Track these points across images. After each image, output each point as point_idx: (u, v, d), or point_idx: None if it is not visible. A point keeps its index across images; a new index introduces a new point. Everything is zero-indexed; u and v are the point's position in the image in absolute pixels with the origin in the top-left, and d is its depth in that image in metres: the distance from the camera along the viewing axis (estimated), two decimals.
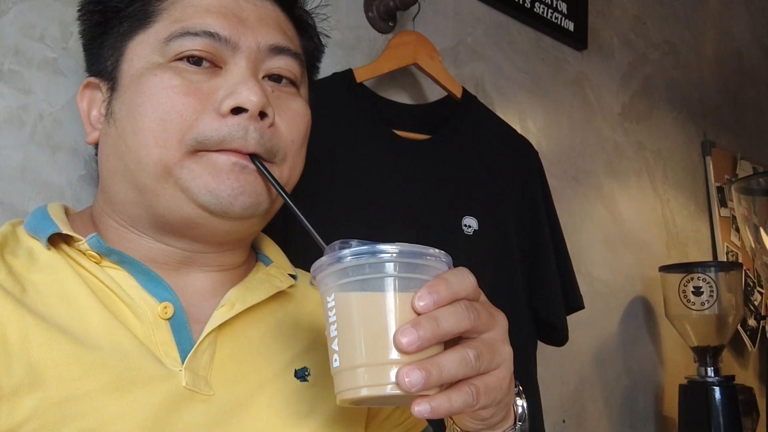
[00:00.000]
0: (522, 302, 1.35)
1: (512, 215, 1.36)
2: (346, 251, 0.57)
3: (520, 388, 0.70)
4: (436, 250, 0.58)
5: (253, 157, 0.72)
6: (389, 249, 0.56)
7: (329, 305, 0.58)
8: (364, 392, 0.55)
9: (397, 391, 0.54)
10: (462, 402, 0.56)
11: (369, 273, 0.56)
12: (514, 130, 1.46)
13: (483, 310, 0.59)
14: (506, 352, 0.61)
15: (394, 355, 0.55)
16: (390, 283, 0.56)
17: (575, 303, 1.42)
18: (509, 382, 0.62)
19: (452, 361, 0.56)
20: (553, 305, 1.37)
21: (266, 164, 0.74)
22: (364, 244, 0.57)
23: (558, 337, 1.40)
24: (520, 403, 0.70)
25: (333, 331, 0.57)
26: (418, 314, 0.56)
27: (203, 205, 0.71)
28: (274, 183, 0.72)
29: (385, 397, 0.56)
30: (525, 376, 1.31)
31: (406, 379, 0.53)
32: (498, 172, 1.37)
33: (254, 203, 0.73)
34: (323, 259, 0.58)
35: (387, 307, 0.56)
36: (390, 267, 0.56)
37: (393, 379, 0.54)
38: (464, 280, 0.58)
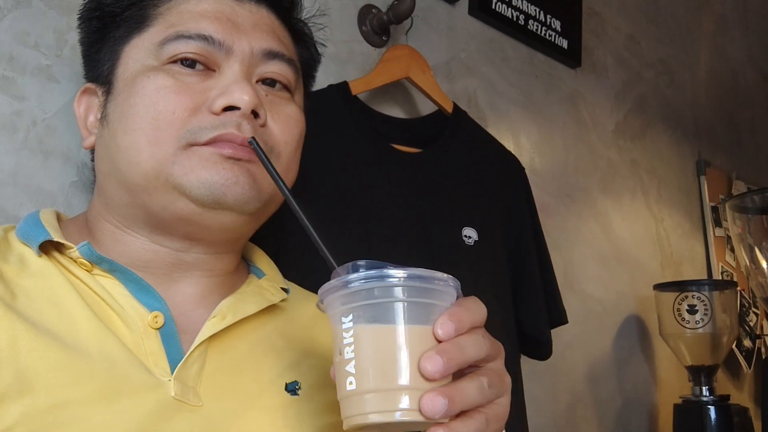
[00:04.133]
0: (512, 316, 1.36)
1: (501, 228, 1.37)
2: (361, 273, 0.56)
3: None
4: (445, 275, 0.58)
5: (254, 141, 0.71)
6: (404, 273, 0.56)
7: (344, 326, 0.57)
8: (376, 418, 0.55)
9: (409, 418, 0.54)
10: (474, 430, 0.56)
11: (385, 297, 0.56)
12: (502, 145, 1.47)
13: (491, 339, 0.60)
14: (508, 381, 0.62)
15: (409, 381, 0.54)
16: (406, 308, 0.56)
17: (559, 317, 1.43)
18: (509, 411, 0.62)
19: (472, 389, 0.56)
20: (538, 319, 1.38)
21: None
22: (374, 266, 0.57)
23: (542, 351, 1.40)
24: None
25: (349, 353, 0.56)
26: (439, 341, 0.56)
27: (197, 199, 0.71)
28: (271, 169, 0.70)
29: (396, 423, 0.55)
30: (514, 392, 1.30)
31: (430, 405, 0.53)
32: (489, 185, 1.38)
33: (246, 195, 0.73)
34: (335, 281, 0.58)
35: (402, 332, 0.55)
36: (404, 292, 0.56)
37: (407, 405, 0.54)
38: (481, 308, 0.59)
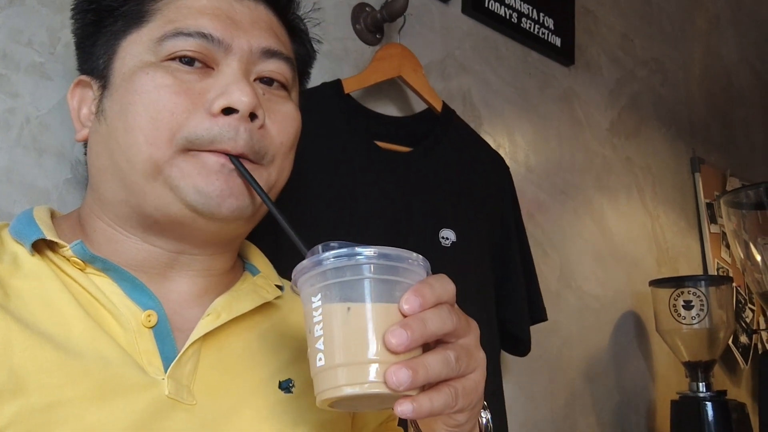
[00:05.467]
0: (493, 314, 1.37)
1: (485, 229, 1.38)
2: (328, 253, 0.58)
3: (485, 402, 0.71)
4: (416, 255, 0.60)
5: (235, 159, 0.72)
6: (371, 252, 0.57)
7: (314, 306, 0.58)
8: (347, 390, 0.56)
9: (378, 390, 0.55)
10: (442, 402, 0.57)
11: (351, 275, 0.57)
12: (488, 145, 1.48)
13: (461, 316, 0.60)
14: (481, 357, 0.62)
15: (376, 354, 0.55)
16: (372, 285, 0.57)
17: (539, 315, 1.46)
18: (483, 387, 0.63)
19: (436, 362, 0.57)
20: (520, 318, 1.40)
21: (253, 166, 0.74)
22: (345, 246, 0.58)
23: (522, 348, 1.43)
24: (485, 415, 0.72)
25: (318, 330, 0.58)
26: (405, 316, 0.57)
27: (191, 205, 0.71)
28: (256, 187, 0.72)
29: (366, 396, 0.56)
30: (494, 386, 1.34)
31: (394, 378, 0.54)
32: (474, 185, 1.39)
33: (241, 206, 0.73)
34: (305, 261, 0.59)
35: (369, 308, 0.57)
36: (370, 269, 0.57)
37: (375, 377, 0.55)
38: (446, 285, 0.60)
